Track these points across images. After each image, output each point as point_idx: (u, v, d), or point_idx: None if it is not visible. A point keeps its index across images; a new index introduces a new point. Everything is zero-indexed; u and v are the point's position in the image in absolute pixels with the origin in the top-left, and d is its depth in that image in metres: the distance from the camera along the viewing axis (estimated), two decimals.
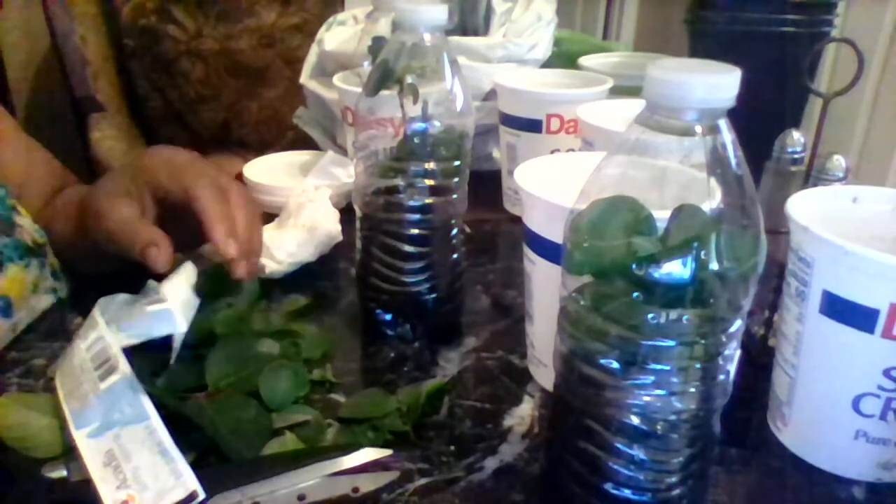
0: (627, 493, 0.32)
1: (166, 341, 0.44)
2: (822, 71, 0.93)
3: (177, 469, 0.34)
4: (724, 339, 0.30)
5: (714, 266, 0.28)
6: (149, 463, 0.34)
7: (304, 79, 0.89)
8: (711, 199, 0.28)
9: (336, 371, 0.48)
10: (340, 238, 0.63)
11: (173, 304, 0.44)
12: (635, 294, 0.29)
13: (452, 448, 0.42)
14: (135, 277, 0.50)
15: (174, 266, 0.51)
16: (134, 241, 0.48)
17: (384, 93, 0.48)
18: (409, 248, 0.50)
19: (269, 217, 0.68)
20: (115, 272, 0.53)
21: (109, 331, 0.42)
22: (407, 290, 0.52)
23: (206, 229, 0.48)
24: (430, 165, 0.49)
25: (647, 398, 0.30)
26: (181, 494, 0.33)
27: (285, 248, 0.59)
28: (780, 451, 0.43)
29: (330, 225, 0.63)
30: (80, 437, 0.36)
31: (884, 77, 0.97)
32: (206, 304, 0.49)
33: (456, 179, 0.50)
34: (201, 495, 0.33)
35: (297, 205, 0.65)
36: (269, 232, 0.62)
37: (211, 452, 0.39)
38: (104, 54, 1.31)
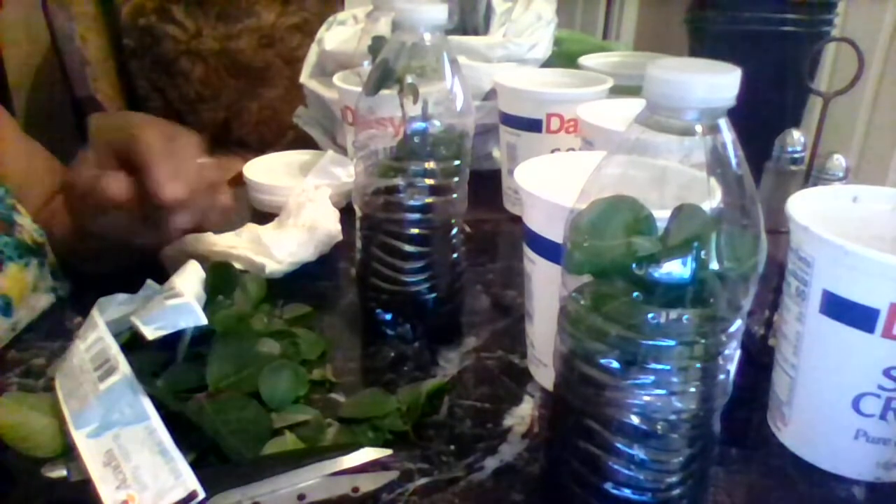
0: (627, 492, 0.32)
1: (169, 338, 0.44)
2: (822, 71, 0.93)
3: (176, 469, 0.34)
4: (724, 338, 0.30)
5: (714, 266, 0.28)
6: (148, 463, 0.34)
7: (304, 79, 0.89)
8: (711, 199, 0.28)
9: (336, 371, 0.48)
10: (340, 238, 0.63)
11: (191, 298, 0.44)
12: (635, 294, 0.29)
13: (452, 448, 0.42)
14: (134, 277, 0.50)
15: (178, 265, 0.51)
16: (93, 185, 0.46)
17: (384, 92, 0.48)
18: (409, 248, 0.50)
19: (269, 217, 0.68)
20: (115, 272, 0.53)
21: (137, 323, 0.42)
22: (407, 289, 0.52)
23: (146, 171, 0.44)
24: (430, 165, 0.49)
25: (647, 398, 0.30)
26: (181, 494, 0.33)
27: (285, 247, 0.59)
28: (780, 451, 0.43)
29: (330, 224, 0.63)
30: (80, 438, 0.36)
31: (884, 77, 0.97)
32: (209, 302, 0.49)
33: (456, 179, 0.50)
34: (201, 495, 0.33)
35: (297, 204, 0.65)
36: (268, 232, 0.62)
37: (211, 452, 0.39)
38: (104, 54, 1.31)
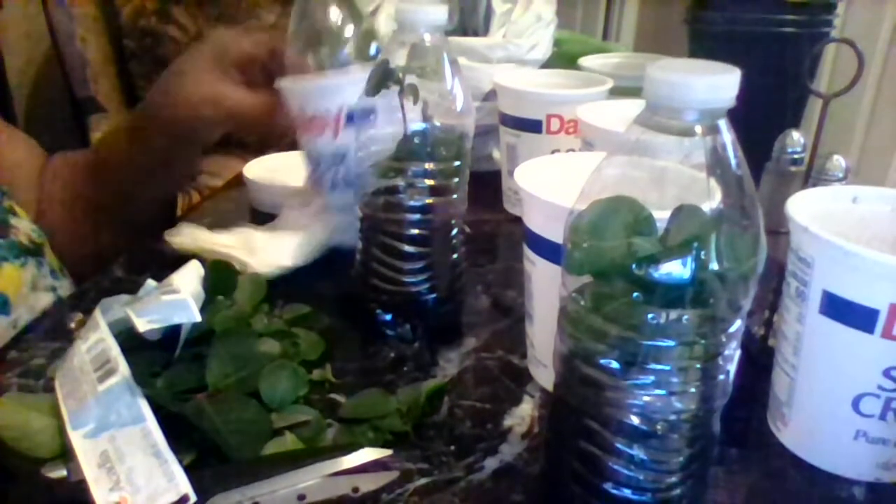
0: (627, 493, 0.32)
1: (168, 338, 0.44)
2: (822, 71, 0.93)
3: (170, 471, 0.34)
4: (723, 339, 0.30)
5: (714, 266, 0.28)
6: (142, 465, 0.34)
7: None
8: (711, 200, 0.28)
9: (336, 371, 0.48)
10: (332, 244, 0.62)
11: (187, 295, 0.44)
12: (635, 294, 0.29)
13: (452, 448, 0.42)
14: (134, 278, 0.50)
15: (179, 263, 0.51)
16: (259, 109, 0.58)
17: (377, 95, 0.48)
18: (409, 249, 0.50)
19: (268, 217, 0.68)
20: (115, 277, 0.53)
21: (131, 314, 0.42)
22: (407, 290, 0.52)
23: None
24: (430, 166, 0.49)
25: (646, 398, 0.30)
26: (173, 497, 0.33)
27: (275, 252, 0.60)
28: (780, 451, 0.43)
29: (322, 231, 0.62)
30: (76, 438, 0.36)
31: (884, 77, 0.97)
32: (209, 302, 0.49)
33: (456, 180, 0.50)
34: (193, 498, 0.33)
35: (291, 208, 0.65)
36: (261, 235, 0.62)
37: (211, 452, 0.39)
38: (104, 55, 1.31)
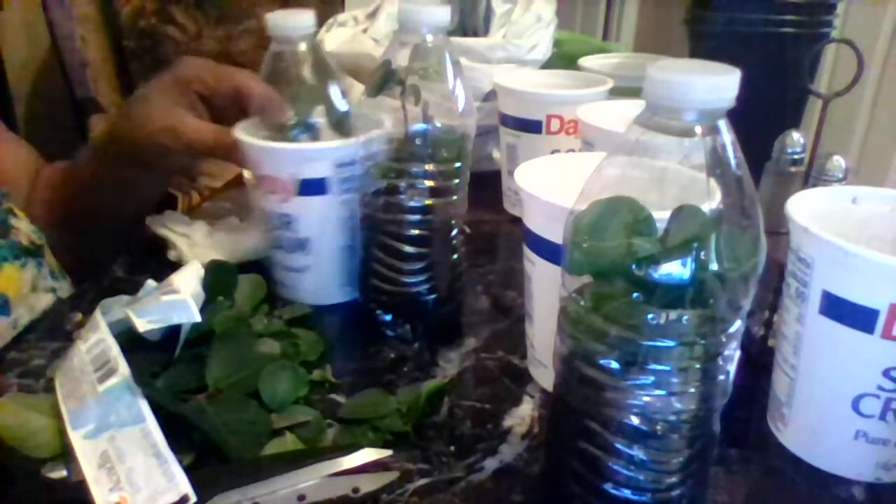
0: (627, 493, 0.32)
1: (168, 339, 0.44)
2: (822, 71, 0.93)
3: (170, 471, 0.34)
4: (723, 339, 0.30)
5: (714, 267, 0.28)
6: (143, 465, 0.34)
7: None
8: (711, 200, 0.28)
9: (336, 371, 0.48)
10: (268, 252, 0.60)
11: (187, 295, 0.44)
12: (635, 294, 0.29)
13: (452, 448, 0.42)
14: (134, 277, 0.50)
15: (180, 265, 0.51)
16: (216, 144, 0.55)
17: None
18: (409, 249, 0.50)
19: None
20: (115, 277, 0.53)
21: (131, 315, 0.42)
22: (407, 290, 0.52)
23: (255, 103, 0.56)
24: (431, 167, 0.49)
25: (646, 398, 0.30)
26: (173, 497, 0.33)
27: (214, 248, 0.60)
28: (780, 451, 0.43)
29: (253, 237, 0.62)
30: (77, 438, 0.36)
31: (884, 77, 0.97)
32: (209, 301, 0.49)
33: (456, 180, 0.50)
34: (193, 498, 0.33)
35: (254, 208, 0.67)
36: (203, 230, 0.63)
37: (211, 453, 0.39)
38: (104, 55, 1.31)
